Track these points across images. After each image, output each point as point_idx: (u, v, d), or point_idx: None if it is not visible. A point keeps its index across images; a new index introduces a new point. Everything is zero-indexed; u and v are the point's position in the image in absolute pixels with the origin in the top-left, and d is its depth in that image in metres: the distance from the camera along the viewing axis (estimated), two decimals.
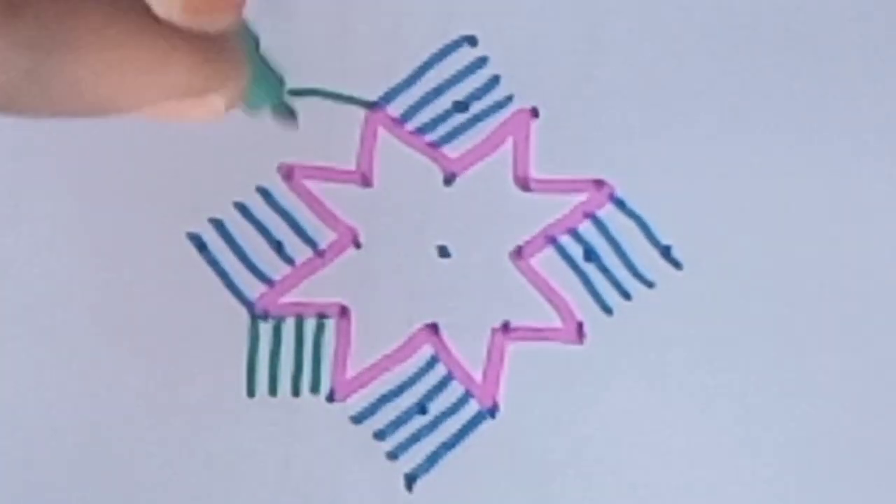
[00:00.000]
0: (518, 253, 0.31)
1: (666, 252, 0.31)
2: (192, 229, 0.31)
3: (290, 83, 0.25)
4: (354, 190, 0.31)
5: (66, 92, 0.22)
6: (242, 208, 0.31)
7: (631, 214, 0.31)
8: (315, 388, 0.31)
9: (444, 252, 0.31)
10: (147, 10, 0.22)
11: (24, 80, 0.21)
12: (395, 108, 0.31)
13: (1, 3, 0.21)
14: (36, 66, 0.21)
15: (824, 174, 0.31)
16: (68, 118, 0.22)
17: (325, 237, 0.31)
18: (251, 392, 0.31)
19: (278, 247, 0.31)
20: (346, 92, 0.31)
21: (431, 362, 0.31)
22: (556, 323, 0.31)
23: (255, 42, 0.25)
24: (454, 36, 0.31)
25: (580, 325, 0.31)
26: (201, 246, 0.31)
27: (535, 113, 0.31)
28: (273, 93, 0.26)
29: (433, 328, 0.31)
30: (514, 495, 0.31)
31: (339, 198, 0.31)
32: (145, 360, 0.30)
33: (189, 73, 0.23)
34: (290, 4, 0.31)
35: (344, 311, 0.31)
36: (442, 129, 0.31)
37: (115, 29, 0.22)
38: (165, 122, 0.23)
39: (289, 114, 0.27)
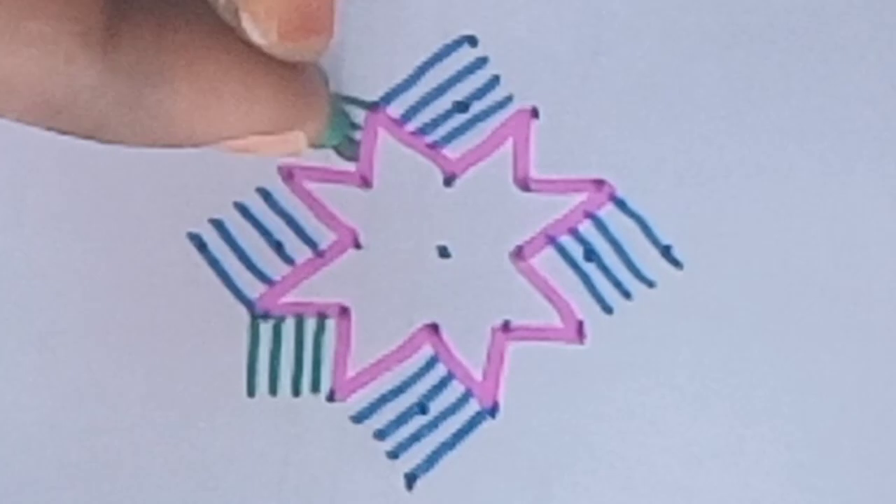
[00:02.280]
0: (518, 253, 0.31)
1: (666, 252, 0.31)
2: (192, 229, 0.31)
3: None
4: (354, 190, 0.31)
5: (157, 123, 0.22)
6: (242, 209, 0.31)
7: (631, 214, 0.31)
8: (315, 387, 0.31)
9: (444, 252, 0.31)
10: (237, 41, 0.22)
11: (117, 108, 0.21)
12: (395, 109, 0.31)
13: (102, 29, 0.20)
14: (130, 94, 0.21)
15: (825, 174, 0.31)
16: (152, 147, 0.22)
17: (325, 237, 0.31)
18: (251, 392, 0.31)
19: (278, 247, 0.31)
20: (346, 92, 0.31)
21: (431, 362, 0.31)
22: (557, 323, 0.31)
23: (325, 81, 0.25)
24: (454, 36, 0.32)
25: (580, 325, 0.31)
26: (201, 246, 0.31)
27: (535, 113, 0.31)
28: (342, 132, 0.26)
29: (433, 328, 0.31)
30: (514, 495, 0.31)
31: (340, 198, 0.31)
32: (145, 359, 0.31)
33: (276, 107, 0.22)
34: None
35: (344, 311, 0.31)
36: (442, 130, 0.32)
37: (210, 62, 0.21)
38: (242, 155, 0.23)
39: (353, 150, 0.27)
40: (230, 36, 0.21)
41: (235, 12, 0.20)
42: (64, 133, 0.22)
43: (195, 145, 0.22)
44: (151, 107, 0.21)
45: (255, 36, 0.21)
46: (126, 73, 0.20)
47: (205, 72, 0.21)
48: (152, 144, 0.22)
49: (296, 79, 0.23)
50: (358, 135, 0.30)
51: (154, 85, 0.21)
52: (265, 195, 0.31)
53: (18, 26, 0.19)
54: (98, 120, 0.21)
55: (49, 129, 0.22)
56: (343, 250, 0.31)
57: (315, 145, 0.26)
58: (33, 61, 0.20)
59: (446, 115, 0.32)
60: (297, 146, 0.24)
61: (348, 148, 0.27)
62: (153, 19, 0.21)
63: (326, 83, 0.24)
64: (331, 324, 0.31)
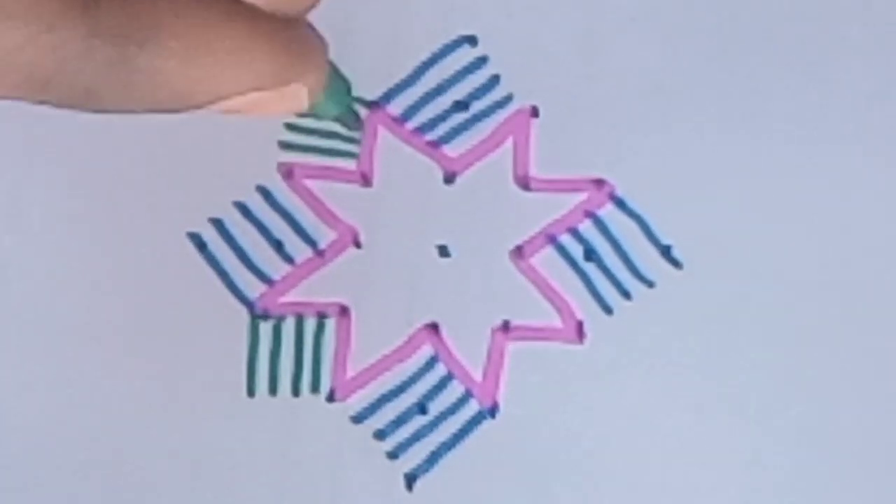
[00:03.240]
0: (518, 252, 0.31)
1: (666, 252, 0.31)
2: (192, 229, 0.31)
3: None
4: (354, 189, 0.31)
5: (150, 83, 0.21)
6: (242, 207, 0.31)
7: (631, 214, 0.31)
8: (315, 387, 0.31)
9: (444, 252, 0.31)
10: None
11: (106, 72, 0.20)
12: (396, 108, 0.31)
13: None
14: (118, 56, 0.20)
15: (825, 174, 0.31)
16: (147, 113, 0.21)
17: (325, 237, 0.31)
18: (251, 391, 0.31)
19: (278, 246, 0.31)
20: None
21: (431, 362, 0.31)
22: (557, 322, 0.31)
23: (323, 41, 0.24)
24: (454, 36, 0.31)
25: (580, 325, 0.31)
26: (201, 245, 0.31)
27: (535, 113, 0.31)
28: (342, 100, 0.25)
29: (433, 328, 0.31)
30: (514, 495, 0.31)
31: (340, 197, 0.31)
32: (145, 359, 0.31)
33: (272, 59, 0.22)
34: None
35: (344, 311, 0.31)
36: (442, 129, 0.31)
37: (198, 15, 0.21)
38: (245, 116, 0.22)
39: (355, 120, 0.27)
40: None
41: None
42: (57, 106, 0.21)
43: (193, 107, 0.22)
44: (141, 67, 0.20)
45: None
46: (111, 33, 0.20)
47: (193, 26, 0.20)
48: (148, 109, 0.21)
49: (291, 29, 0.22)
50: (362, 112, 0.30)
51: (141, 43, 0.20)
52: (265, 194, 0.31)
53: None
54: (88, 87, 0.21)
55: (41, 103, 0.21)
56: (343, 249, 0.31)
57: (317, 114, 0.25)
58: (14, 34, 0.19)
59: (446, 114, 0.32)
60: (298, 102, 0.23)
61: (350, 118, 0.26)
62: None
63: (324, 43, 0.24)
64: (331, 323, 0.31)
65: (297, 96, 0.23)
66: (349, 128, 0.29)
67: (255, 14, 0.21)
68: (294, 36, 0.22)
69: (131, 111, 0.21)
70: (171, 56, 0.21)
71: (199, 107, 0.22)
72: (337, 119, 0.26)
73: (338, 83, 0.25)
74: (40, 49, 0.20)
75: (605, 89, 0.31)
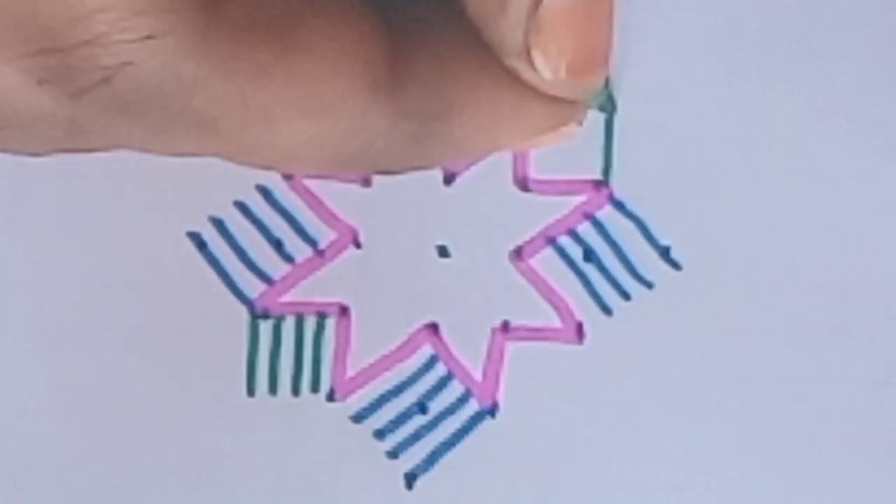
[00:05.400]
0: (518, 253, 0.31)
1: (665, 253, 0.31)
2: (192, 228, 0.31)
3: None
4: (354, 189, 0.31)
5: (443, 150, 0.22)
6: (242, 207, 0.31)
7: (630, 216, 0.31)
8: (315, 387, 0.31)
9: (443, 252, 0.31)
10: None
11: (409, 146, 0.21)
12: None
13: (386, 76, 0.20)
14: (420, 132, 0.21)
15: (825, 174, 0.31)
16: (434, 167, 0.23)
17: (325, 236, 0.31)
18: (251, 391, 0.31)
19: (278, 245, 0.31)
20: None
21: (431, 362, 0.31)
22: (556, 323, 0.31)
23: None
24: None
25: (580, 326, 0.31)
26: (201, 244, 0.31)
27: None
28: (602, 94, 0.27)
29: (433, 328, 0.31)
30: (513, 494, 0.31)
31: (339, 197, 0.31)
32: (144, 358, 0.30)
33: (550, 115, 0.23)
34: None
35: (344, 311, 0.31)
36: None
37: (487, 86, 0.22)
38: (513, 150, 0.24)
39: (611, 106, 0.28)
40: (497, 59, 0.22)
41: (527, 52, 0.21)
42: (352, 172, 0.23)
43: (475, 158, 0.23)
44: (440, 139, 0.22)
45: (546, 73, 0.21)
46: (414, 112, 0.21)
47: (485, 96, 0.22)
48: (435, 167, 0.23)
49: None
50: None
51: (442, 119, 0.21)
52: (265, 193, 0.31)
53: (313, 94, 0.20)
54: (390, 158, 0.22)
55: (341, 173, 0.22)
56: (343, 249, 0.31)
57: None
58: (331, 123, 0.20)
59: None
60: (568, 134, 0.25)
61: (608, 104, 0.28)
62: (430, 55, 0.21)
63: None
64: (330, 323, 0.31)
65: (569, 132, 0.25)
66: (604, 110, 0.30)
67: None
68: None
69: (419, 169, 0.23)
70: (465, 125, 0.22)
71: (478, 157, 0.24)
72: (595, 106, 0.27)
73: None
74: (352, 134, 0.21)
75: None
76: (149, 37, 0.18)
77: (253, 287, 0.31)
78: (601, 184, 0.31)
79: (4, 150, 0.22)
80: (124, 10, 0.18)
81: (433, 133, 0.21)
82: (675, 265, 0.31)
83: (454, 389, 0.31)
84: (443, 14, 0.21)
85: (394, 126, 0.21)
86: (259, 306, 0.31)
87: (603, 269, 0.31)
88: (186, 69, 0.19)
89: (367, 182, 0.31)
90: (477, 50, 0.21)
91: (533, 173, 0.31)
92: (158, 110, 0.20)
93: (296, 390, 0.31)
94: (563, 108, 0.23)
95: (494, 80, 0.22)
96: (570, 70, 0.21)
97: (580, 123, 0.25)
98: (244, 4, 0.19)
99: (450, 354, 0.31)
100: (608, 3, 0.22)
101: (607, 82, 0.26)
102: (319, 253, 0.31)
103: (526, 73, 0.21)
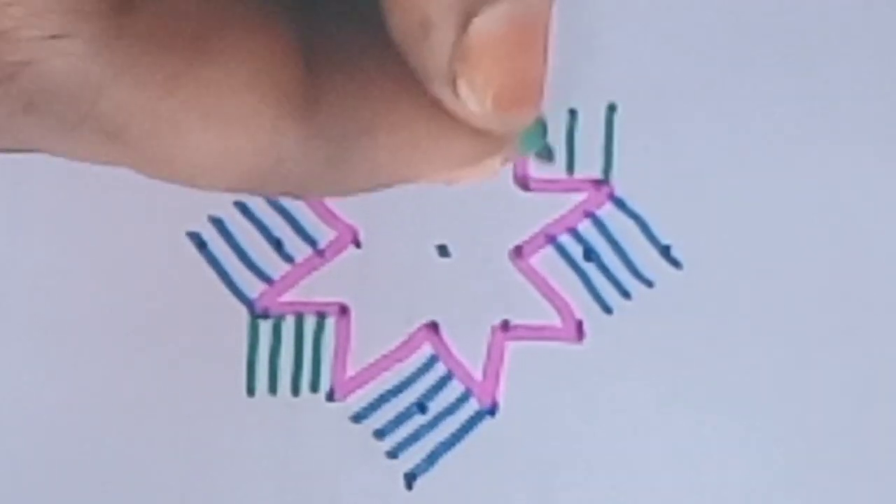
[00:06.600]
0: (518, 252, 0.31)
1: (666, 251, 0.31)
2: (192, 228, 0.31)
3: None
4: None
5: (359, 174, 0.21)
6: (242, 207, 0.31)
7: (631, 214, 0.31)
8: (315, 386, 0.31)
9: (443, 251, 0.31)
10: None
11: (322, 168, 0.21)
12: None
13: (301, 94, 0.20)
14: (335, 153, 0.21)
15: (825, 174, 0.31)
16: (349, 195, 0.22)
17: (324, 236, 0.31)
18: (251, 390, 0.31)
19: (278, 245, 0.31)
20: None
21: (431, 361, 0.31)
22: (556, 322, 0.31)
23: None
24: None
25: (580, 325, 0.31)
26: (201, 244, 0.31)
27: None
28: (539, 140, 0.25)
29: (433, 327, 0.31)
30: (513, 494, 0.31)
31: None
32: (144, 358, 0.30)
33: (472, 146, 0.22)
34: None
35: (344, 310, 0.31)
36: None
37: (407, 111, 0.21)
38: (436, 184, 0.23)
39: (548, 155, 0.27)
40: (419, 84, 0.21)
41: (451, 80, 0.20)
42: (262, 196, 0.22)
43: (393, 185, 0.23)
44: (355, 162, 0.21)
45: (471, 103, 0.20)
46: (329, 133, 0.20)
47: (403, 121, 0.21)
48: (349, 194, 0.22)
49: None
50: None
51: (357, 141, 0.21)
52: None
53: (222, 106, 0.19)
54: (302, 180, 0.21)
55: (250, 194, 0.22)
56: (343, 248, 0.31)
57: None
58: (240, 139, 0.20)
59: None
60: (492, 171, 0.24)
61: (545, 154, 0.27)
62: (349, 77, 0.20)
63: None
64: (330, 323, 0.31)
65: (491, 167, 0.24)
66: (543, 160, 0.29)
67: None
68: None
69: (338, 196, 0.22)
70: (382, 150, 0.21)
71: (399, 185, 0.23)
72: (532, 155, 0.26)
73: (536, 126, 0.25)
74: (264, 151, 0.20)
75: (604, 90, 0.31)
76: (55, 35, 0.18)
77: (253, 287, 0.31)
78: (601, 182, 0.31)
79: None
80: (32, 6, 0.18)
81: (348, 157, 0.21)
82: (676, 264, 0.31)
83: (454, 389, 0.31)
84: (369, 36, 0.20)
85: (306, 146, 0.20)
86: (259, 306, 0.31)
87: (603, 268, 0.31)
88: (92, 71, 0.19)
89: None
90: (401, 75, 0.20)
91: (533, 171, 0.31)
92: (63, 112, 0.19)
93: (295, 390, 0.31)
94: (489, 141, 0.22)
95: (416, 107, 0.21)
96: (496, 102, 0.20)
97: (505, 161, 0.24)
98: (158, 11, 0.19)
99: (449, 354, 0.31)
100: (542, 32, 0.21)
101: (543, 120, 0.25)
102: (319, 252, 0.31)
103: (450, 103, 0.20)
